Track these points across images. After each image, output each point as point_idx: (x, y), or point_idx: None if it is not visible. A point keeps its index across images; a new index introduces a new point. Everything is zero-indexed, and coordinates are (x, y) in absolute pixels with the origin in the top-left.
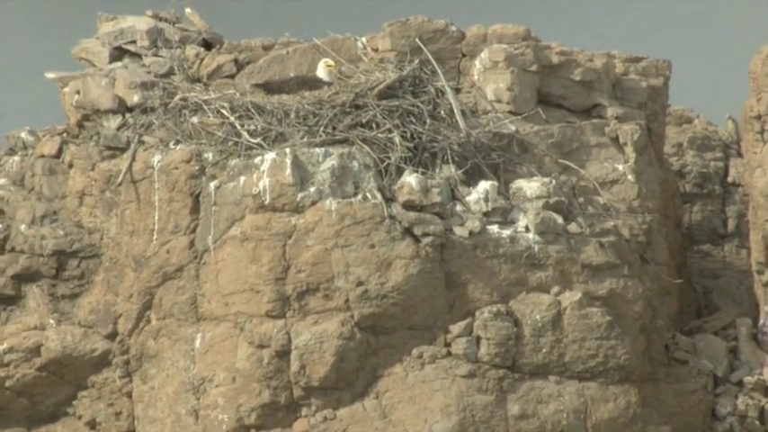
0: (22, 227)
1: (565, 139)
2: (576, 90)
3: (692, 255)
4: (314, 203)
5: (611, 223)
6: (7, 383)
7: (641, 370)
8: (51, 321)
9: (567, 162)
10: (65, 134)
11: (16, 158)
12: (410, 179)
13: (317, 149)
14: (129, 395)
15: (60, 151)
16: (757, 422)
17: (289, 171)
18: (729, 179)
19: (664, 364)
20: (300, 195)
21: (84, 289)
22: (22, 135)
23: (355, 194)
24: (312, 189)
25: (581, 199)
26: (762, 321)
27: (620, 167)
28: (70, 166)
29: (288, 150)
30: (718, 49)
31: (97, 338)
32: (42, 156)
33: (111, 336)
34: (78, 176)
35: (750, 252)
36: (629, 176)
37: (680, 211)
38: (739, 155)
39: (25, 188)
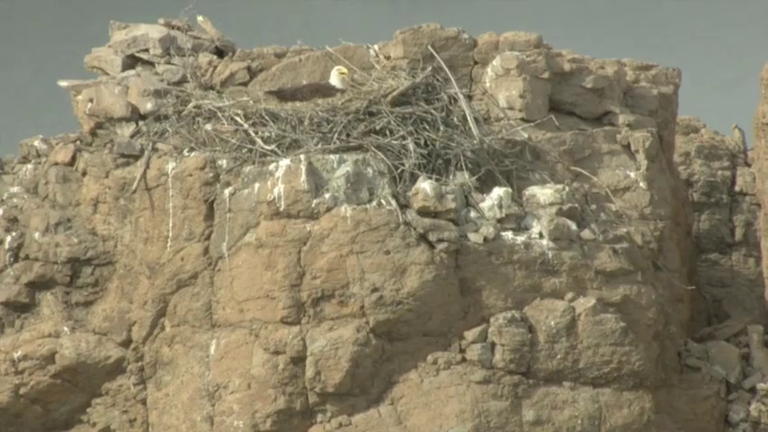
0: (36, 235)
1: (577, 147)
2: (588, 97)
3: (700, 264)
4: (329, 210)
5: (624, 230)
6: (21, 391)
7: (655, 376)
8: (65, 329)
9: (579, 169)
10: (78, 142)
11: (29, 166)
12: (425, 185)
13: (332, 156)
14: (144, 402)
15: (74, 159)
16: None
17: (303, 177)
18: (737, 188)
19: (677, 371)
20: (315, 202)
21: (99, 296)
22: (35, 143)
23: (370, 201)
24: (327, 195)
25: (593, 206)
26: None
27: (632, 175)
28: (84, 173)
29: (302, 157)
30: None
31: (111, 346)
32: (56, 164)
33: (126, 343)
34: (92, 184)
35: (759, 261)
36: (641, 183)
37: (690, 219)
38: (746, 164)
39: (39, 196)
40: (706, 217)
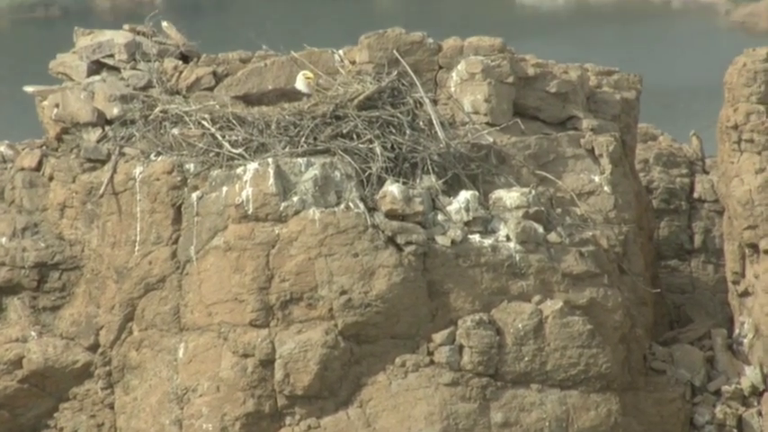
0: (3, 239)
1: (541, 151)
2: (552, 102)
3: (660, 270)
4: (297, 213)
5: (590, 233)
6: None
7: (622, 379)
8: (33, 333)
9: (544, 173)
10: (44, 147)
11: None
12: (392, 188)
13: (299, 160)
14: (112, 406)
15: (40, 164)
16: (735, 430)
17: (272, 181)
18: (695, 195)
19: (642, 374)
20: (283, 205)
21: (66, 301)
22: (1, 149)
23: (338, 204)
24: (295, 199)
25: (559, 210)
26: (737, 332)
27: (596, 179)
28: (50, 178)
29: (270, 160)
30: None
31: (79, 350)
32: (22, 169)
33: (93, 347)
34: (59, 189)
35: (717, 267)
36: (606, 188)
37: (653, 224)
38: (704, 171)
39: (5, 201)
40: (665, 224)
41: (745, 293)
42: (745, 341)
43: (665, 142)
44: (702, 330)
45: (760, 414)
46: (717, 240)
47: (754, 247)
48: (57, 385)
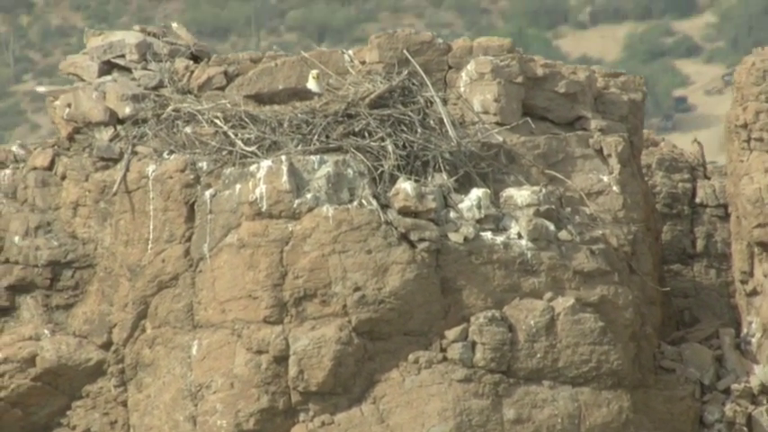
0: (16, 238)
1: (551, 150)
2: (560, 102)
3: (663, 274)
4: (311, 210)
5: (600, 232)
6: (2, 394)
7: (632, 376)
8: (46, 332)
9: (553, 172)
10: (56, 147)
11: (8, 172)
12: (405, 185)
13: (312, 157)
14: (125, 404)
15: (53, 163)
16: (745, 429)
17: (285, 178)
18: (697, 200)
19: (652, 372)
20: (297, 202)
21: (79, 299)
22: (13, 149)
23: (351, 201)
24: (309, 196)
25: (568, 209)
26: (745, 331)
27: (605, 179)
28: (63, 177)
29: (283, 158)
30: None
31: (92, 348)
32: (35, 168)
33: (106, 345)
34: (72, 187)
35: (720, 272)
36: (614, 187)
37: (659, 225)
38: (705, 177)
39: (18, 200)
40: (668, 228)
41: (754, 293)
42: (754, 340)
43: (667, 147)
44: (710, 330)
45: None
46: (719, 245)
47: (763, 245)
48: (70, 383)
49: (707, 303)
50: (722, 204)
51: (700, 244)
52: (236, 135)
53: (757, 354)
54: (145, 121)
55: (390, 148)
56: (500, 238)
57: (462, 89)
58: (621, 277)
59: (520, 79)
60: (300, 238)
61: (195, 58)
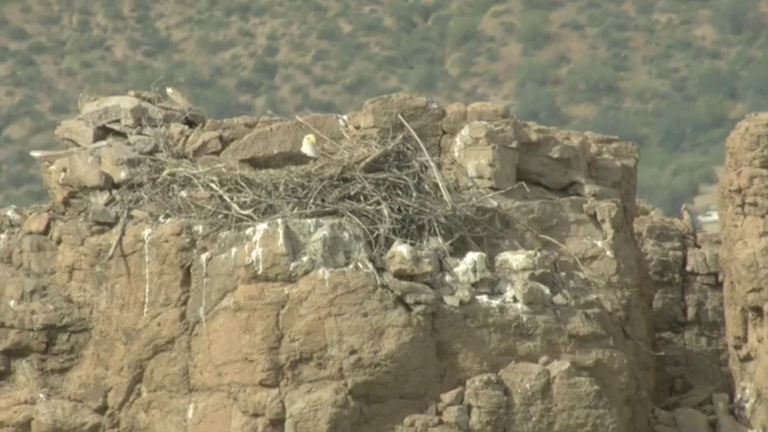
0: (12, 302)
1: (545, 215)
2: (554, 167)
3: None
4: (306, 273)
5: (594, 296)
6: None
7: None
8: (41, 395)
9: (547, 237)
10: (51, 211)
11: (3, 236)
12: (401, 249)
13: (308, 220)
14: None
15: (48, 228)
16: None
17: (281, 241)
18: (688, 268)
19: None
20: (293, 265)
21: (74, 363)
22: (8, 213)
23: (347, 264)
24: (305, 259)
25: (563, 273)
26: (738, 396)
27: (599, 244)
28: (59, 242)
29: (279, 221)
30: None
31: (87, 412)
32: (30, 232)
33: (102, 409)
34: (67, 251)
35: (710, 340)
36: (608, 252)
37: (652, 291)
38: (696, 245)
39: (13, 265)
40: (659, 296)
41: (747, 358)
42: (747, 406)
43: (657, 216)
44: (704, 395)
45: None
46: (710, 313)
47: (757, 310)
48: None
49: (699, 370)
50: (713, 272)
51: (691, 312)
52: (231, 199)
53: (751, 419)
54: (140, 185)
55: (386, 211)
56: (496, 302)
57: (457, 154)
58: (616, 341)
59: (514, 144)
60: (296, 302)
61: (190, 123)
